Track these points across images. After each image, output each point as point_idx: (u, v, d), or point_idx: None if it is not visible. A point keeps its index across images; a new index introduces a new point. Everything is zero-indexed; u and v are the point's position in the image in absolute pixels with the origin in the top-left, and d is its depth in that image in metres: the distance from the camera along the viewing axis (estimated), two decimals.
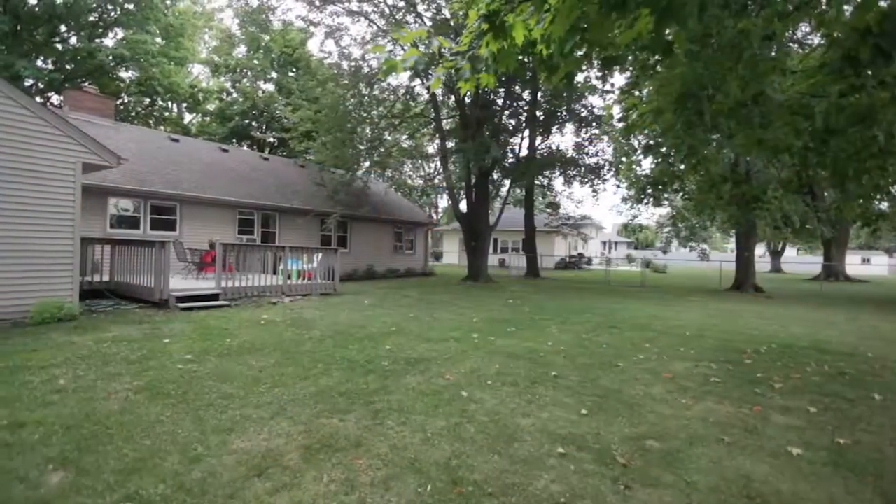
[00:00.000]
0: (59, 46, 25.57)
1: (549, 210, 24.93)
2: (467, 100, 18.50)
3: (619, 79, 19.65)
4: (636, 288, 19.44)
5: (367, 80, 18.48)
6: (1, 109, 6.91)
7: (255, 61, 31.38)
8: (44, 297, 7.22)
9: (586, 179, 21.98)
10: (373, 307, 10.15)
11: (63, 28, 25.30)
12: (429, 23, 17.77)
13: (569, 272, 31.00)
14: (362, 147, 19.09)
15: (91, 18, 25.35)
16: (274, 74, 32.31)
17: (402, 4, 17.87)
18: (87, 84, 17.64)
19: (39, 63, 24.15)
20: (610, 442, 3.43)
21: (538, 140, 21.48)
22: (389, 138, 21.05)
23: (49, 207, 7.40)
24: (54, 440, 3.14)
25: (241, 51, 31.95)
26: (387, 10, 17.92)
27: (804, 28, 11.85)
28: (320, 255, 12.55)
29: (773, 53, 4.49)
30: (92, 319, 7.52)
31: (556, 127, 21.43)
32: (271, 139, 31.78)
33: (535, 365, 5.61)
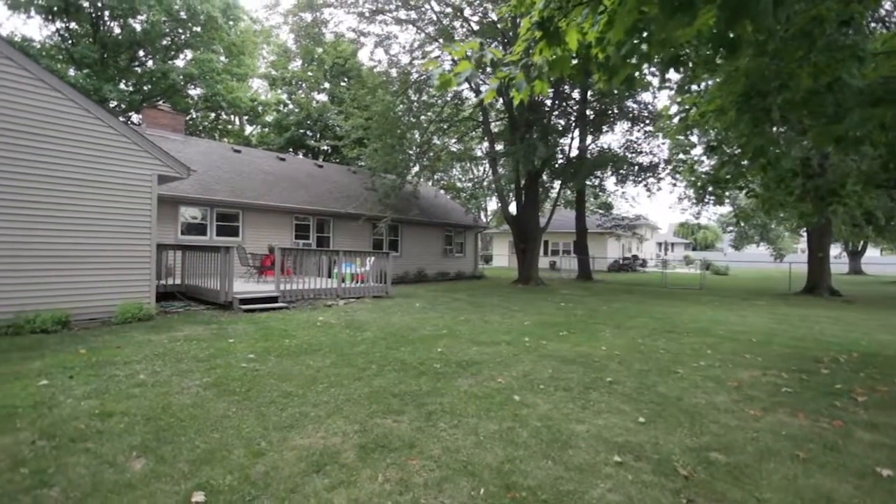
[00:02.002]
0: (138, 70, 27.98)
1: (601, 211, 24.25)
2: (516, 102, 18.35)
3: (675, 73, 18.84)
4: (695, 291, 18.48)
5: (416, 86, 18.80)
6: (91, 129, 7.65)
7: (310, 73, 32.75)
8: (126, 299, 7.89)
9: (640, 179, 21.21)
10: (424, 310, 10.27)
11: (141, 53, 27.70)
12: (476, 27, 17.82)
13: (622, 274, 29.95)
14: (412, 152, 19.41)
15: (164, 42, 27.54)
16: (327, 85, 33.60)
17: (448, 11, 18.05)
18: (161, 102, 19.12)
19: (122, 86, 26.50)
20: (670, 452, 3.29)
21: (589, 139, 20.99)
22: (438, 142, 21.27)
23: (130, 216, 8.09)
24: (136, 429, 3.42)
25: (296, 64, 33.44)
26: (434, 17, 18.15)
27: (888, 6, 10.82)
28: (372, 258, 12.86)
29: (851, 38, 4.13)
30: (166, 319, 8.11)
31: (608, 125, 20.86)
32: (325, 147, 33.04)
33: (588, 370, 5.47)
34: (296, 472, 2.88)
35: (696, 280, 21.93)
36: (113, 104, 24.86)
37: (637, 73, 3.12)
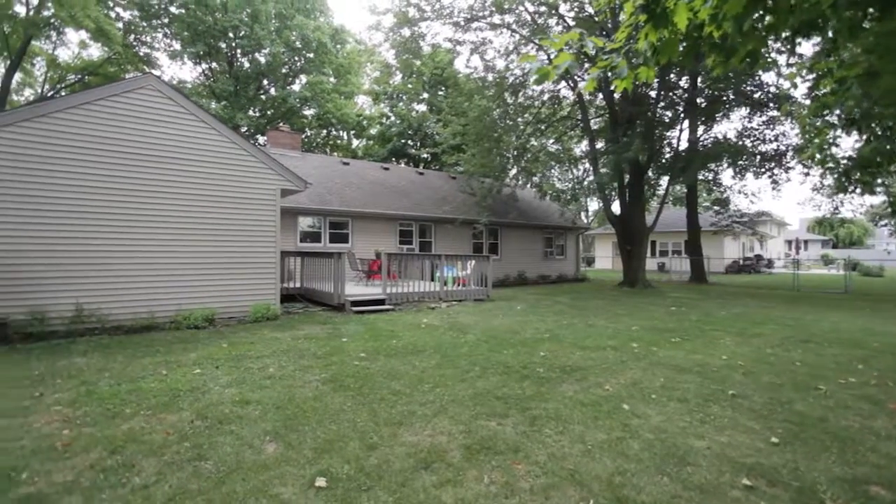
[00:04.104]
0: (263, 97, 31.69)
1: (716, 207, 21.97)
2: (616, 96, 17.45)
3: (806, 47, 16.46)
4: (837, 294, 15.98)
5: (512, 88, 18.73)
6: (228, 152, 8.80)
7: (409, 85, 34.39)
8: (256, 301, 8.91)
9: (763, 170, 18.90)
10: (525, 313, 10.17)
11: (265, 82, 31.35)
12: (572, 23, 17.30)
13: (743, 276, 26.90)
14: (509, 155, 19.35)
15: (283, 70, 30.87)
16: (425, 95, 34.99)
17: (543, 9, 17.75)
18: (281, 124, 21.36)
19: (250, 112, 30.25)
20: (814, 481, 2.89)
21: (700, 130, 19.22)
22: (536, 144, 20.95)
23: (259, 227, 9.13)
24: (268, 417, 3.85)
25: (396, 78, 35.32)
26: (528, 18, 17.96)
27: None
28: (473, 262, 13.04)
29: None
30: (289, 319, 9.00)
31: (722, 113, 18.89)
32: (425, 155, 34.39)
33: (706, 380, 5.01)
34: (405, 466, 3.03)
35: (839, 282, 18.97)
36: (244, 129, 28.46)
37: (762, 50, 2.79)
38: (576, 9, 17.52)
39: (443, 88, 32.77)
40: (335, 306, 10.20)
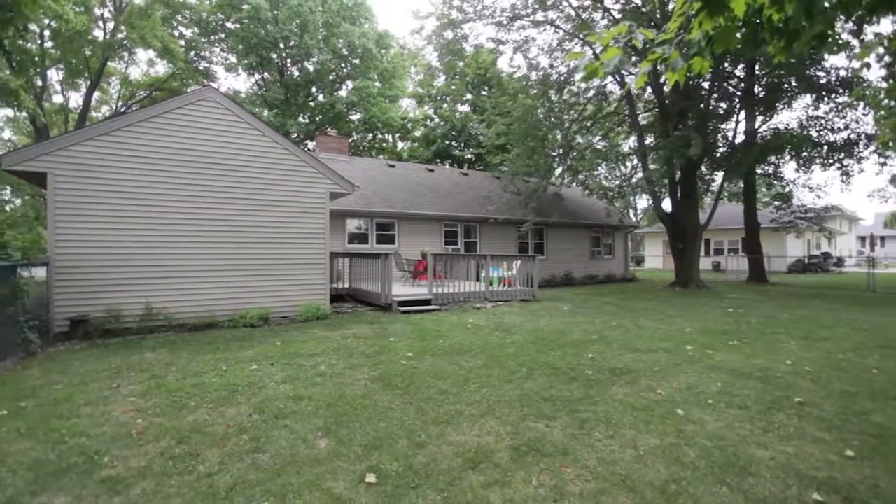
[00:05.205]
0: (312, 104, 32.85)
1: (776, 203, 20.55)
2: (666, 89, 16.74)
3: (884, 24, 15.14)
4: None
5: (557, 86, 18.41)
6: (281, 158, 9.19)
7: (453, 87, 34.57)
8: (307, 301, 9.24)
9: (830, 161, 17.51)
10: (572, 314, 9.97)
11: (314, 89, 32.52)
12: (618, 15, 16.78)
13: (808, 276, 25.09)
14: (554, 153, 19.03)
15: (331, 77, 31.89)
16: (469, 96, 35.04)
17: (587, 3, 17.32)
18: (329, 129, 22.09)
19: (300, 119, 31.44)
20: None
21: (758, 121, 18.10)
22: (582, 141, 20.50)
23: (310, 229, 9.46)
24: (320, 413, 3.98)
25: (440, 80, 35.62)
26: (572, 13, 17.58)
27: None
28: (519, 262, 12.91)
29: None
30: (338, 319, 9.26)
31: (783, 102, 17.67)
32: (469, 156, 34.44)
33: (769, 387, 4.72)
34: (453, 466, 3.05)
35: None
36: (294, 135, 29.65)
37: (830, 31, 2.59)
38: (622, 0, 17.00)
39: (486, 89, 32.69)
40: (382, 306, 10.40)
